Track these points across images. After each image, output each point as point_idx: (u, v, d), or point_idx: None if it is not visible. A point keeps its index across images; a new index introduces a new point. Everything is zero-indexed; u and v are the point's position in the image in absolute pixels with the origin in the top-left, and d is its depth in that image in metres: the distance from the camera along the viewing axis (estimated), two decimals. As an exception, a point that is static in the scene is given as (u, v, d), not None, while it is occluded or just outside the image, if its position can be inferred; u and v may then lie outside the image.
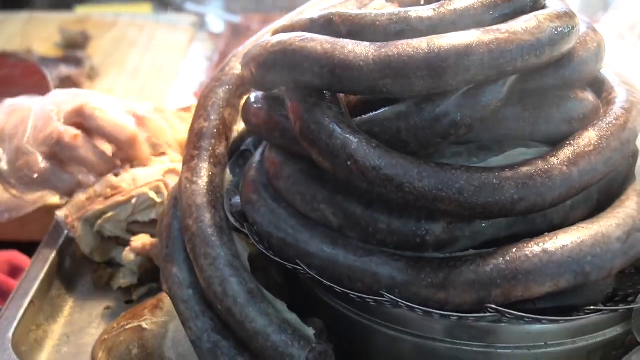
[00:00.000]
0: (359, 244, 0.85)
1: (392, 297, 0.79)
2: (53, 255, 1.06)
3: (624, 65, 1.10)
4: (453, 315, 0.79)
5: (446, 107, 0.82)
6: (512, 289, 0.78)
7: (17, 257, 1.39)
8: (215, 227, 0.94)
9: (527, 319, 0.78)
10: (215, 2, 2.61)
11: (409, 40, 0.80)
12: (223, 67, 1.09)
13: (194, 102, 1.57)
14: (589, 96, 0.91)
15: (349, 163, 0.80)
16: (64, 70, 1.91)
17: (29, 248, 1.47)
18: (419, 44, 0.79)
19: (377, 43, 0.81)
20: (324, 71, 0.81)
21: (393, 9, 0.87)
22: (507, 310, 0.77)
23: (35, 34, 2.28)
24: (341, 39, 0.82)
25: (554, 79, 0.89)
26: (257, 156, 1.00)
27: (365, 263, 0.83)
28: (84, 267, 1.11)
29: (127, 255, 1.06)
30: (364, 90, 0.81)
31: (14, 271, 1.38)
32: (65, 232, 1.09)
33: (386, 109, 0.84)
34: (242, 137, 1.08)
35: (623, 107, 0.89)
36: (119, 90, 1.97)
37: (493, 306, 0.77)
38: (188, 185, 0.99)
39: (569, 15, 0.86)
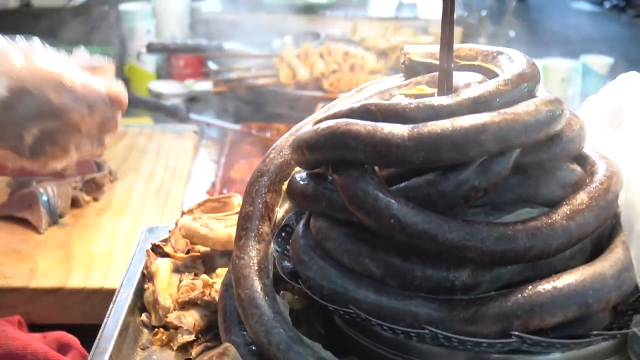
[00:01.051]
0: (398, 291, 1.02)
1: (432, 330, 0.96)
2: (121, 320, 1.20)
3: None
4: (484, 342, 0.96)
5: (467, 175, 1.01)
6: (529, 319, 0.96)
7: (64, 336, 1.53)
8: (260, 292, 1.11)
9: (544, 344, 0.95)
10: (215, 112, 2.84)
11: (436, 122, 1.00)
12: (264, 159, 1.27)
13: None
14: (577, 167, 1.12)
15: (392, 221, 0.98)
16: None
17: (70, 329, 1.61)
18: (445, 124, 0.99)
19: (409, 125, 1.01)
20: (368, 148, 1.01)
21: (417, 100, 1.07)
22: (528, 336, 0.94)
23: (52, 144, 2.46)
24: (379, 123, 1.02)
25: (547, 154, 1.09)
26: (300, 226, 1.17)
27: (406, 305, 1.01)
28: (143, 332, 1.26)
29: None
30: (401, 162, 1.00)
31: (63, 348, 1.51)
32: (127, 305, 1.25)
33: (417, 178, 1.03)
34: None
35: (605, 175, 1.09)
36: (137, 192, 2.14)
37: (516, 333, 0.95)
38: (237, 261, 1.16)
39: (558, 101, 1.07)
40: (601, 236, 1.09)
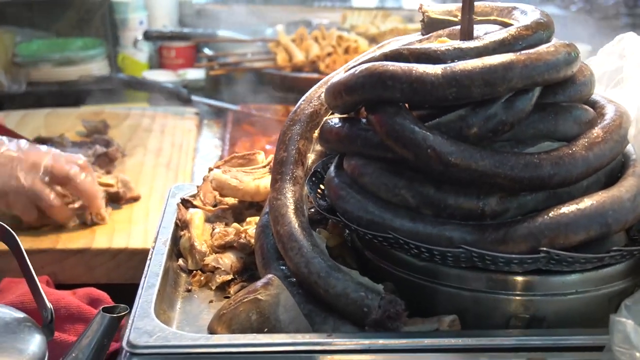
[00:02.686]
0: (432, 219, 1.11)
1: (467, 248, 1.05)
2: (164, 260, 1.28)
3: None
4: (515, 259, 1.05)
5: (495, 109, 1.10)
6: (555, 238, 1.05)
7: (94, 291, 1.59)
8: (298, 227, 1.19)
9: (569, 259, 1.04)
10: (212, 96, 2.91)
11: (467, 61, 1.09)
12: (295, 109, 1.35)
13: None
14: (590, 108, 1.21)
15: (428, 151, 1.07)
16: (99, 148, 2.15)
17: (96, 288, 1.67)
18: (475, 62, 1.08)
19: (442, 64, 1.09)
20: (404, 86, 1.09)
21: (447, 43, 1.16)
22: (555, 251, 1.03)
23: (58, 125, 2.52)
24: (413, 64, 1.11)
25: (563, 96, 1.19)
26: (332, 169, 1.25)
27: (441, 231, 1.09)
28: (181, 276, 1.33)
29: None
30: (435, 99, 1.09)
31: (93, 303, 1.57)
32: (167, 249, 1.32)
33: (449, 114, 1.12)
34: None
35: (616, 114, 1.19)
36: (148, 165, 2.21)
37: (545, 249, 1.04)
38: (275, 202, 1.24)
39: (573, 45, 1.17)
40: (613, 170, 1.18)
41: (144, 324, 1.10)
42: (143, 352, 1.05)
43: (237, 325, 1.13)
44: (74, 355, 1.18)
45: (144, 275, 1.24)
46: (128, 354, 1.06)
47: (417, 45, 1.16)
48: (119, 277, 1.72)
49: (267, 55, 2.96)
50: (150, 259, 1.30)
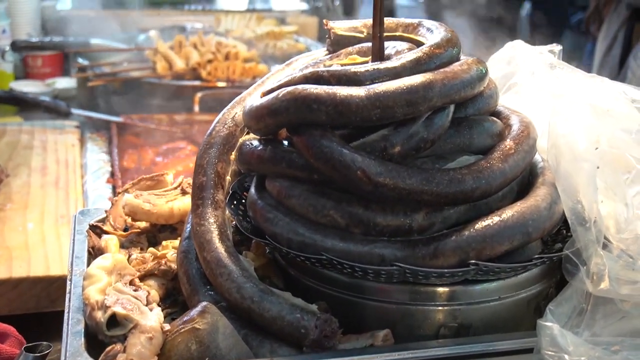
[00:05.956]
0: (362, 237, 1.13)
1: (401, 265, 1.08)
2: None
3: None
4: (446, 273, 1.09)
5: (416, 128, 1.14)
6: (483, 249, 1.10)
7: (-1, 325, 1.52)
8: (225, 253, 1.19)
9: (497, 269, 1.10)
10: (90, 107, 2.82)
11: (388, 82, 1.12)
12: (210, 132, 1.34)
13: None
14: (498, 120, 1.27)
15: (358, 173, 1.09)
16: (-21, 171, 2.06)
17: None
18: (397, 84, 1.11)
19: (365, 86, 1.12)
20: (329, 109, 1.11)
21: (366, 64, 1.19)
22: (484, 263, 1.08)
23: None
24: (335, 86, 1.13)
25: (472, 109, 1.24)
26: (253, 191, 1.25)
27: (372, 249, 1.12)
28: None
29: None
30: (359, 120, 1.11)
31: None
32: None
33: (372, 134, 1.14)
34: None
35: (522, 124, 1.25)
36: (35, 185, 2.13)
37: (474, 261, 1.08)
38: (198, 228, 1.23)
39: (482, 61, 1.22)
40: (523, 179, 1.24)
41: (78, 365, 1.07)
42: (84, 396, 1.02)
43: (176, 357, 1.11)
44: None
45: (66, 310, 1.20)
46: (67, 398, 1.03)
47: (336, 67, 1.18)
48: (21, 307, 1.65)
49: (144, 64, 2.90)
50: (70, 292, 1.25)
